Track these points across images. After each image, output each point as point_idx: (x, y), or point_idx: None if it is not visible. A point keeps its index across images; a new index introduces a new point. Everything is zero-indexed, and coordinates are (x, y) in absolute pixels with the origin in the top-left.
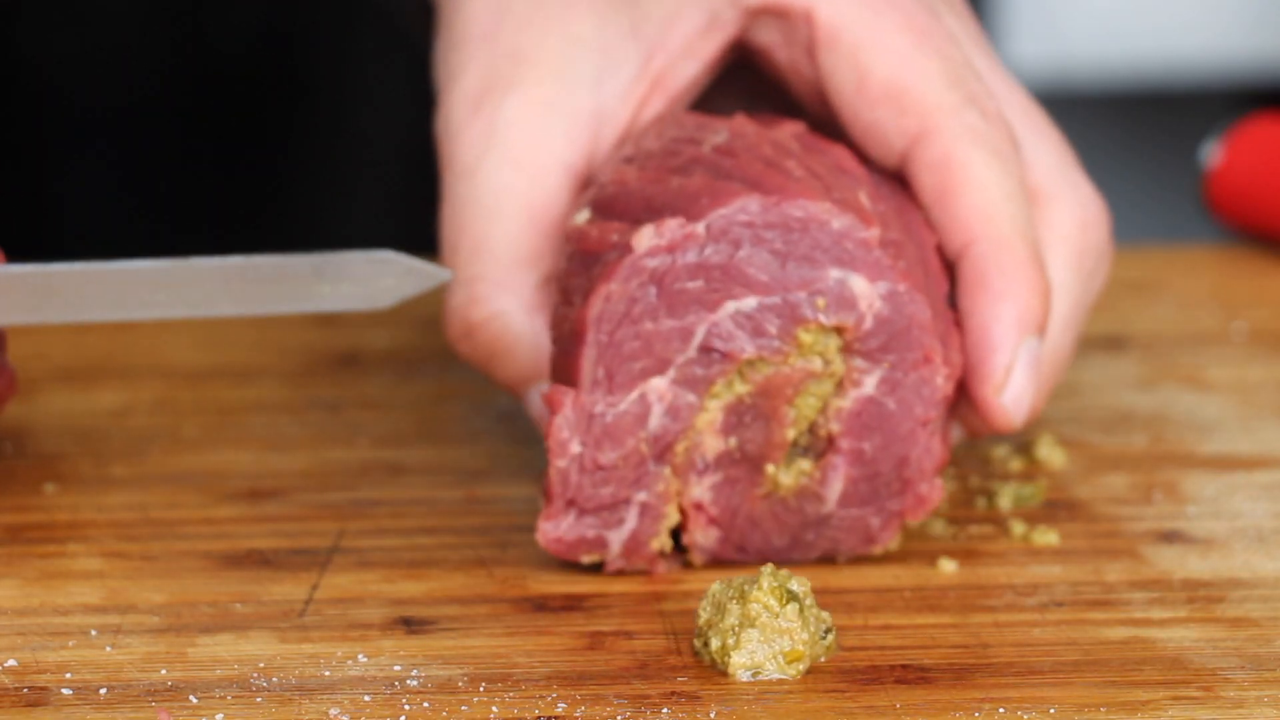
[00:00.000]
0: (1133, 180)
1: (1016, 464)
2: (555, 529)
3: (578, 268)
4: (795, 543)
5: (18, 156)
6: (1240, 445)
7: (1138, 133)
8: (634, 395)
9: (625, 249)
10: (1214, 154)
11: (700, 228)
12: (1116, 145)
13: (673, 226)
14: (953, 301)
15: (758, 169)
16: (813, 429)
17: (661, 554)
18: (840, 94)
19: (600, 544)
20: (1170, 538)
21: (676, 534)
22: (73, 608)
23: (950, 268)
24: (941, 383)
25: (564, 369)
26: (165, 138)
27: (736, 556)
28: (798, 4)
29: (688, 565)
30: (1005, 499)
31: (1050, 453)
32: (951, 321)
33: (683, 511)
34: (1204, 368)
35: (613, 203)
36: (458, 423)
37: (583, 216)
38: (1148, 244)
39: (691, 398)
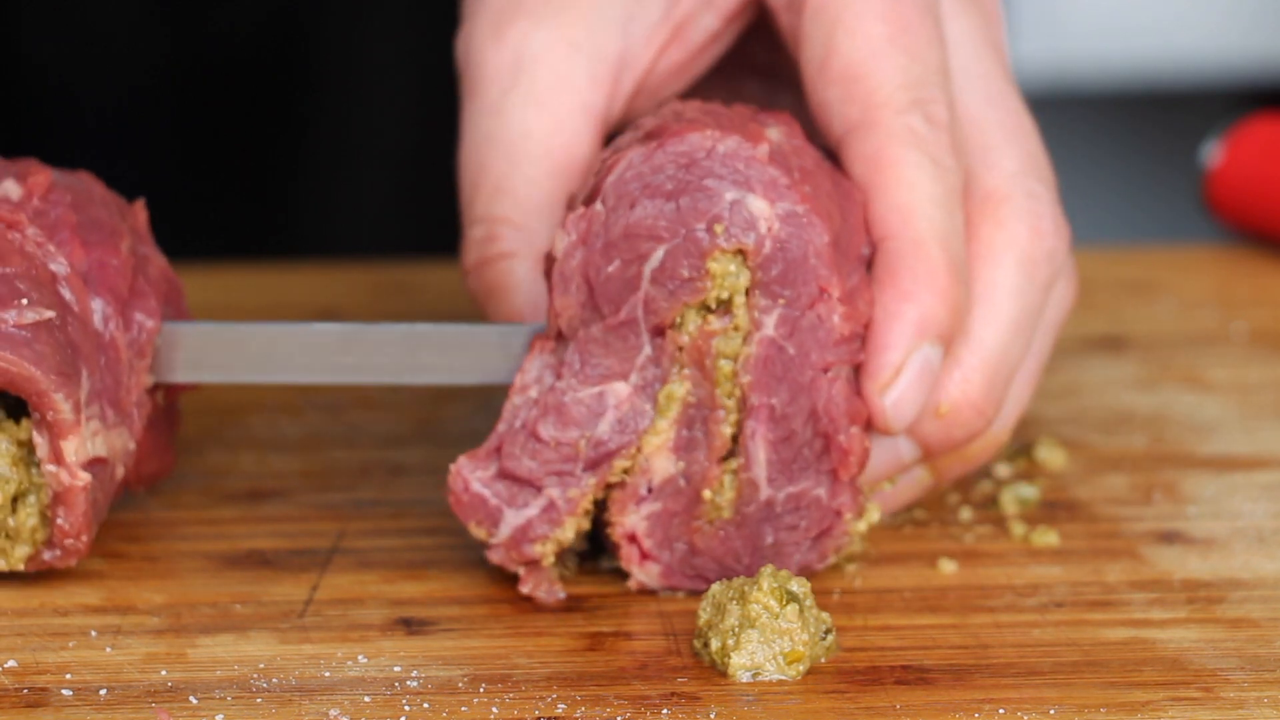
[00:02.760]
0: (1133, 180)
1: (1017, 465)
2: (470, 469)
3: None
4: (757, 557)
5: (18, 150)
6: (1240, 445)
7: (1138, 133)
8: (596, 390)
9: (550, 259)
10: (1214, 154)
11: (597, 205)
12: (1116, 145)
13: (573, 219)
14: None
15: (661, 125)
16: (733, 393)
17: (540, 565)
18: (807, 65)
19: (495, 517)
20: (1170, 538)
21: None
22: (73, 608)
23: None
24: (838, 322)
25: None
26: (168, 129)
27: (701, 587)
28: None
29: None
30: (1005, 499)
31: (1050, 453)
32: (865, 279)
33: (617, 544)
34: (1204, 368)
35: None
36: (458, 423)
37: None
38: (1148, 244)
39: (647, 407)
